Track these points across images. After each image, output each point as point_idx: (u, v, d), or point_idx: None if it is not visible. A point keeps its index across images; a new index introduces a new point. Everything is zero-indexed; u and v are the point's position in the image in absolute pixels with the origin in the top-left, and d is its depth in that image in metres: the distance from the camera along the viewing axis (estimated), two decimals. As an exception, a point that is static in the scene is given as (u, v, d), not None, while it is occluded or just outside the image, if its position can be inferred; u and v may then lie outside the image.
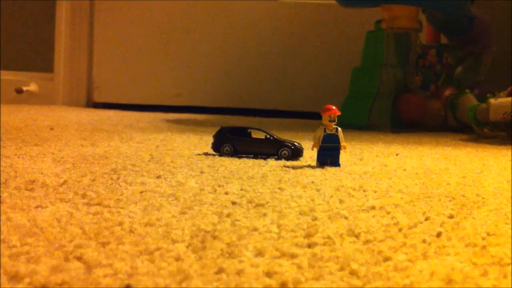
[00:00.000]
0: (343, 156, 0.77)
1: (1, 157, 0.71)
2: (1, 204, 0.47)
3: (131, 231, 0.40)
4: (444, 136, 1.33)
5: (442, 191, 0.59)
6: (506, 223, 0.46)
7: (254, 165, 0.72)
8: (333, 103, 0.74)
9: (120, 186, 0.56)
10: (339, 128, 0.73)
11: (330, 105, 0.73)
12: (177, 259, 0.34)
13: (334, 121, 0.72)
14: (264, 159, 0.78)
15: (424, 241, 0.40)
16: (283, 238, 0.40)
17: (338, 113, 0.73)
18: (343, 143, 0.73)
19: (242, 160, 0.77)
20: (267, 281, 0.31)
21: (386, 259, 0.36)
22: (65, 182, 0.57)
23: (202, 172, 0.66)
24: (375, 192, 0.58)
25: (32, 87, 2.02)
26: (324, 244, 0.39)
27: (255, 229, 0.42)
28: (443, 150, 1.02)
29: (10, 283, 0.30)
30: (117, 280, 0.31)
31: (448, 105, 1.50)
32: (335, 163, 0.73)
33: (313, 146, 0.73)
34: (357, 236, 0.41)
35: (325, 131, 0.72)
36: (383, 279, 0.32)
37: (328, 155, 0.73)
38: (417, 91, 1.55)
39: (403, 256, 0.36)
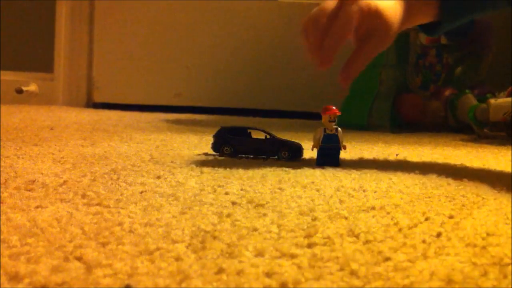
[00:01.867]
0: (343, 156, 0.77)
1: (1, 157, 0.71)
2: (1, 204, 0.47)
3: (131, 231, 0.40)
4: (444, 136, 1.33)
5: (442, 191, 0.59)
6: (506, 223, 0.46)
7: (254, 165, 0.72)
8: (333, 103, 0.74)
9: (120, 186, 0.56)
10: (339, 128, 0.73)
11: (330, 105, 0.73)
12: (177, 259, 0.34)
13: (334, 121, 0.72)
14: (264, 159, 0.78)
15: (424, 241, 0.40)
16: (283, 238, 0.40)
17: (338, 113, 0.73)
18: (343, 143, 0.73)
19: (242, 160, 0.77)
20: (267, 281, 0.31)
21: (386, 259, 0.36)
22: (65, 182, 0.57)
23: (202, 172, 0.66)
24: (375, 192, 0.58)
25: (32, 87, 2.02)
26: (324, 244, 0.39)
27: (255, 229, 0.42)
28: (443, 150, 1.02)
29: (10, 283, 0.30)
30: (117, 280, 0.31)
31: (448, 105, 1.50)
32: (335, 163, 0.73)
33: (313, 146, 0.73)
34: (357, 236, 0.41)
35: (325, 131, 0.73)
36: (383, 279, 0.32)
37: (328, 155, 0.73)
38: (417, 91, 1.55)
39: (403, 256, 0.36)
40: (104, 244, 0.37)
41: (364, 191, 0.58)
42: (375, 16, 0.69)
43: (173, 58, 2.01)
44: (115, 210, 0.46)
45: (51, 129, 1.12)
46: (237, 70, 1.99)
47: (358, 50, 0.71)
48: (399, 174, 0.70)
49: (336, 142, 0.73)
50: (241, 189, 0.56)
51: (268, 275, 0.32)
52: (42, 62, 2.06)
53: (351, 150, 0.92)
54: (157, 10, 2.00)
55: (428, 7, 0.74)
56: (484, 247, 0.39)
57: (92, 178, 0.60)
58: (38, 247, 0.36)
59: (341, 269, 0.33)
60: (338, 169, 0.72)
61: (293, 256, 0.36)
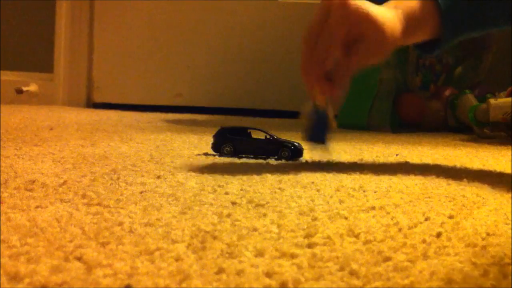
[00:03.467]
0: (343, 156, 0.77)
1: (1, 157, 0.71)
2: (1, 204, 0.47)
3: (131, 231, 0.40)
4: (444, 136, 1.33)
5: (442, 191, 0.59)
6: (506, 223, 0.46)
7: (254, 165, 0.72)
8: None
9: (120, 186, 0.56)
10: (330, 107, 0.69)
11: None
12: (177, 259, 0.34)
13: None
14: (264, 159, 0.78)
15: (424, 241, 0.40)
16: (283, 238, 0.40)
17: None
18: (333, 118, 0.69)
19: (242, 160, 0.77)
20: (267, 281, 0.31)
21: (386, 259, 0.36)
22: (65, 182, 0.57)
23: (202, 172, 0.66)
24: (375, 192, 0.58)
25: (32, 87, 2.02)
26: (324, 244, 0.39)
27: (255, 229, 0.42)
28: (443, 150, 1.02)
29: (10, 283, 0.30)
30: (117, 280, 0.31)
31: (448, 105, 1.50)
32: (321, 138, 0.71)
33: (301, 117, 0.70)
34: (357, 236, 0.41)
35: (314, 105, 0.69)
36: (383, 279, 0.32)
37: (316, 127, 0.70)
38: (417, 91, 1.55)
39: (403, 256, 0.36)
40: (104, 244, 0.37)
41: (364, 191, 0.58)
42: (365, 20, 0.62)
43: (173, 58, 2.01)
44: (115, 210, 0.46)
45: (51, 129, 1.12)
46: (237, 70, 1.98)
47: (344, 60, 0.63)
48: (399, 174, 0.70)
49: (324, 113, 0.68)
50: (241, 189, 0.56)
51: (268, 275, 0.32)
52: (42, 62, 2.06)
53: (351, 150, 0.92)
54: (157, 10, 2.00)
55: (427, 24, 0.68)
56: (484, 247, 0.39)
57: (92, 178, 0.60)
58: (38, 247, 0.36)
59: (341, 269, 0.33)
60: (338, 169, 0.71)
61: (293, 256, 0.36)
